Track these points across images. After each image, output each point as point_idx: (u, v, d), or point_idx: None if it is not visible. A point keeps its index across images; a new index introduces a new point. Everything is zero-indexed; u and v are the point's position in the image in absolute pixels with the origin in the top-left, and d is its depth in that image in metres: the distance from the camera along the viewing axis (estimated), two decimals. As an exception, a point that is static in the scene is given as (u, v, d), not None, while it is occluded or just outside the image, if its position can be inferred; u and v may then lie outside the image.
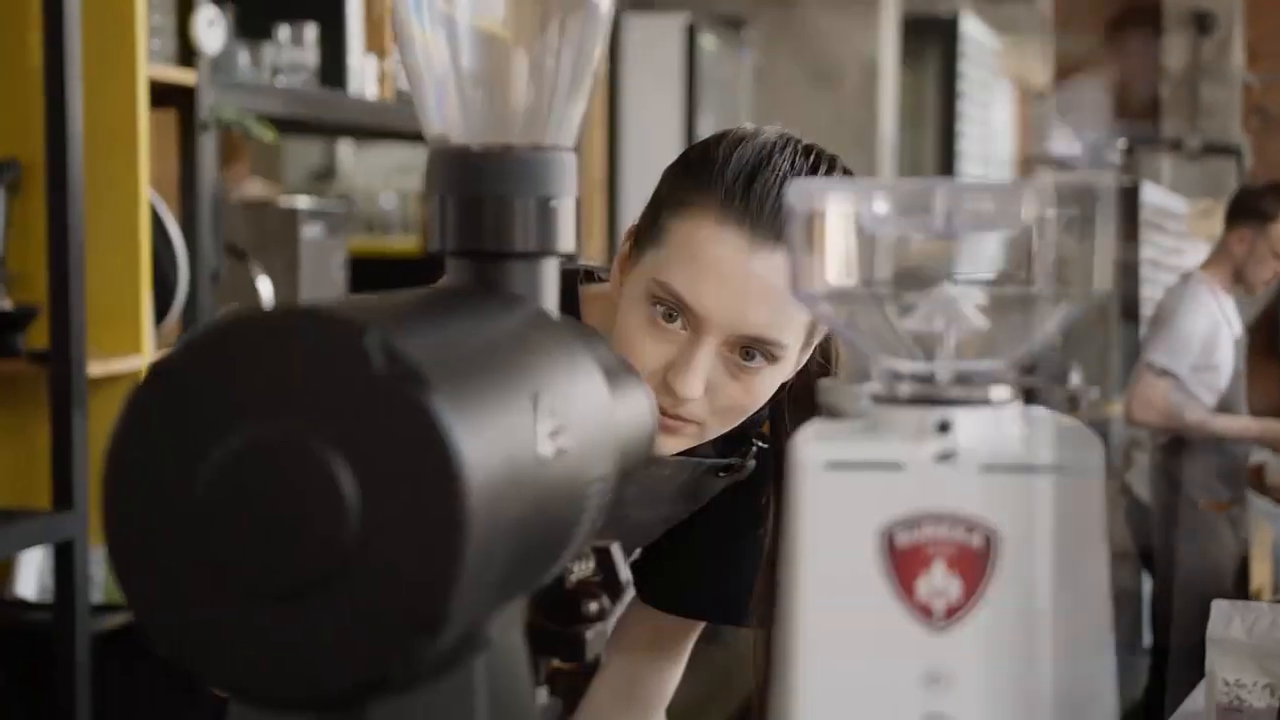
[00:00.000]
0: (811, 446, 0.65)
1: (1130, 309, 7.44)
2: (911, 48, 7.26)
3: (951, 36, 7.71)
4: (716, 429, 1.31)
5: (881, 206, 0.67)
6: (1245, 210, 4.54)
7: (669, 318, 1.25)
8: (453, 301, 0.71)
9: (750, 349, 1.26)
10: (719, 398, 1.27)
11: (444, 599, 0.59)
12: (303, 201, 3.34)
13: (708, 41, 5.61)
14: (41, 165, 2.42)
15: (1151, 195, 7.23)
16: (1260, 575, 5.06)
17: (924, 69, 7.73)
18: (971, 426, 0.65)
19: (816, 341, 1.34)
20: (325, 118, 3.52)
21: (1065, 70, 10.25)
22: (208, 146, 2.71)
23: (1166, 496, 4.70)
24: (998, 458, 0.64)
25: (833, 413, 0.72)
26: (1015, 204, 0.65)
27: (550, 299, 0.77)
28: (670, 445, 1.30)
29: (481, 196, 0.75)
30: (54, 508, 2.49)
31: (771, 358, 1.26)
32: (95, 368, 2.46)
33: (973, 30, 7.80)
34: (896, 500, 0.64)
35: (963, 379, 0.67)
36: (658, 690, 1.57)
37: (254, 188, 4.31)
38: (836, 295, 0.68)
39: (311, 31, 3.25)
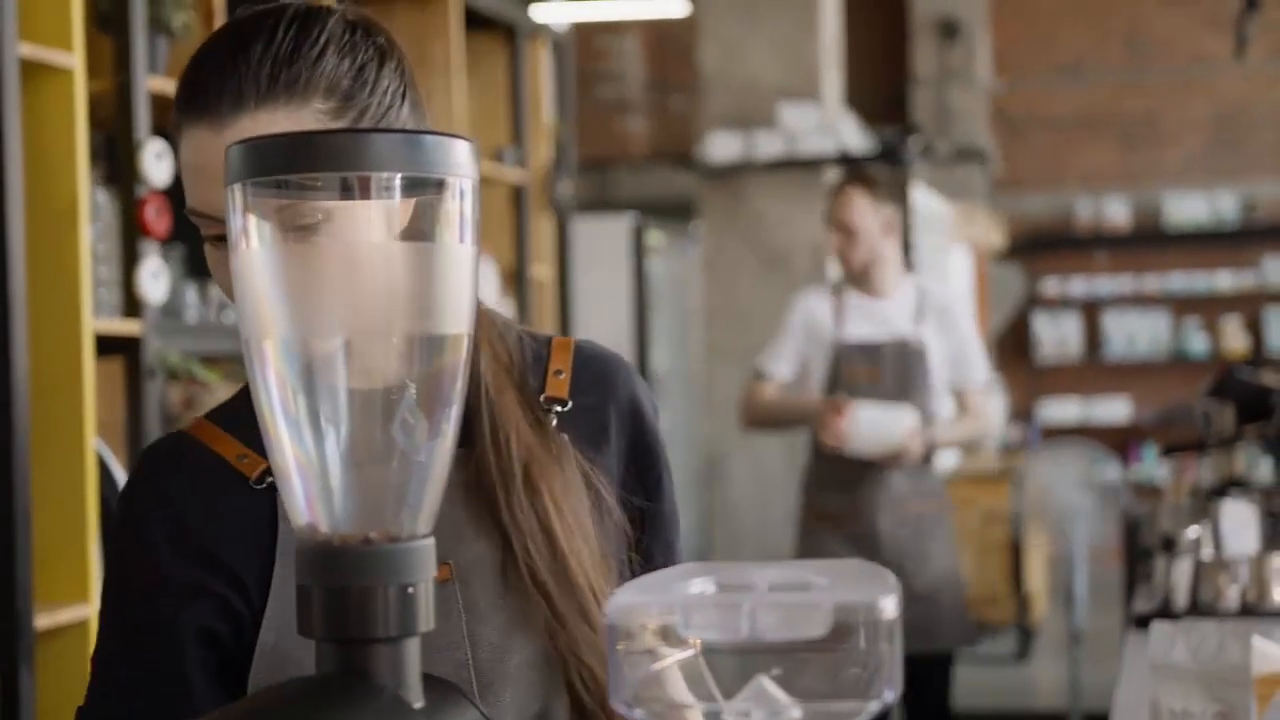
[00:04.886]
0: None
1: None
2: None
3: (903, 208, 7.84)
4: None
5: (693, 617, 0.73)
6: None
7: (217, 239, 1.19)
8: (296, 711, 0.76)
9: None
10: None
11: None
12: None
13: (654, 238, 5.73)
14: (-13, 421, 2.46)
15: (921, 198, 7.32)
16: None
17: (877, 242, 7.83)
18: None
19: None
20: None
21: (1019, 229, 10.43)
22: (153, 392, 2.78)
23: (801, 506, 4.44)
24: None
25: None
26: (811, 618, 0.71)
27: (412, 675, 0.83)
28: None
29: (345, 587, 0.82)
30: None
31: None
32: (42, 619, 2.49)
33: (924, 200, 7.93)
34: None
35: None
36: None
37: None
38: (650, 699, 0.73)
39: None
